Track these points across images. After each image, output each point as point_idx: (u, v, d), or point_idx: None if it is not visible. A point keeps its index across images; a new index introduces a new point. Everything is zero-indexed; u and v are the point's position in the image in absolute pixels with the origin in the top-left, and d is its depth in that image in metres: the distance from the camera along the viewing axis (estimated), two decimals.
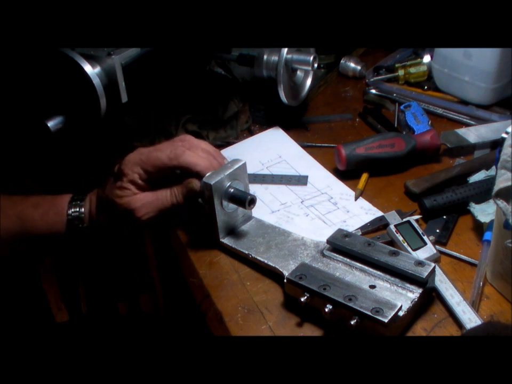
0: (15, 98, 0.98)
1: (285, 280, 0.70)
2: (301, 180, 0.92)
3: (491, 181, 0.78)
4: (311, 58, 0.97)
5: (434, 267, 0.68)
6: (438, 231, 0.79)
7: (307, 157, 0.97)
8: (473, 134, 0.94)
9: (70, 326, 1.19)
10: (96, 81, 0.83)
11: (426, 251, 0.73)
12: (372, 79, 1.14)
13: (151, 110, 1.00)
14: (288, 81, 0.99)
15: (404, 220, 0.78)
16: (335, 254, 0.73)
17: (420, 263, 0.68)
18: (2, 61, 0.92)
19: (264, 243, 0.78)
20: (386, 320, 0.61)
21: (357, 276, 0.70)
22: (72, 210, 0.78)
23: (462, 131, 0.94)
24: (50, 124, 0.84)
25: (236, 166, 0.77)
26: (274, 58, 0.97)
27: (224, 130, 1.03)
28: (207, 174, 0.75)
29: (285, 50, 0.96)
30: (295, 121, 1.06)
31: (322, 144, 1.00)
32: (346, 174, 0.91)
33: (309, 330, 0.68)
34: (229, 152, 0.98)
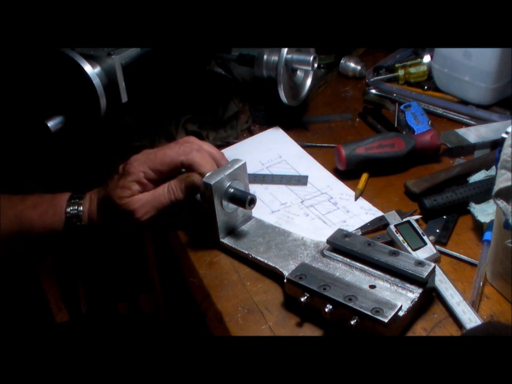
0: (15, 98, 0.98)
1: (285, 280, 0.70)
2: (301, 180, 0.92)
3: (491, 181, 0.78)
4: (311, 58, 0.97)
5: (434, 267, 0.68)
6: (438, 231, 0.79)
7: (307, 157, 0.97)
8: (473, 134, 0.94)
9: (70, 326, 1.19)
10: (96, 81, 0.83)
11: (426, 251, 0.73)
12: (371, 79, 1.14)
13: (151, 110, 1.00)
14: (288, 81, 0.99)
15: (404, 220, 0.78)
16: (335, 254, 0.73)
17: (420, 263, 0.68)
18: (2, 61, 0.92)
19: (264, 243, 0.78)
20: (386, 320, 0.61)
21: (357, 276, 0.70)
22: (71, 208, 0.78)
23: (462, 131, 0.94)
24: (50, 124, 0.84)
25: (236, 166, 0.77)
26: (274, 58, 0.97)
27: (224, 130, 1.03)
28: (207, 174, 0.75)
29: (285, 50, 0.96)
30: (295, 121, 1.06)
31: (322, 144, 1.00)
32: (346, 174, 0.91)
33: (309, 330, 0.68)
34: (229, 152, 0.98)
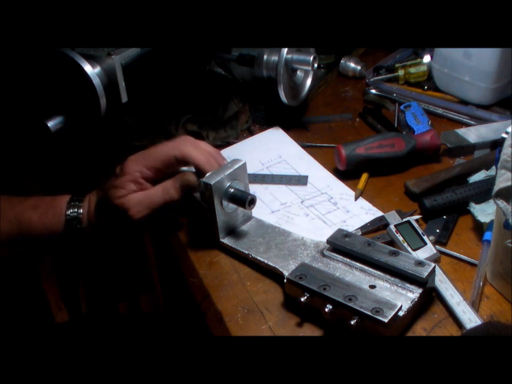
0: (15, 98, 0.98)
1: (285, 280, 0.70)
2: (301, 180, 0.92)
3: (491, 181, 0.78)
4: (311, 58, 0.97)
5: (434, 267, 0.68)
6: (438, 231, 0.79)
7: (307, 157, 0.97)
8: (473, 134, 0.94)
9: (70, 326, 1.19)
10: (96, 81, 0.83)
11: (426, 251, 0.73)
12: (371, 79, 1.14)
13: (151, 110, 1.00)
14: (288, 81, 0.99)
15: (404, 220, 0.78)
16: (335, 254, 0.73)
17: (420, 263, 0.68)
18: (2, 61, 0.92)
19: (264, 243, 0.78)
20: (386, 320, 0.61)
21: (357, 276, 0.70)
22: (71, 210, 0.78)
23: (462, 131, 0.94)
24: (50, 124, 0.84)
25: (236, 166, 0.77)
26: (274, 58, 0.97)
27: (224, 130, 1.03)
28: (207, 174, 0.75)
29: (285, 50, 0.96)
30: (295, 121, 1.06)
31: (322, 144, 1.00)
32: (346, 174, 0.91)
33: (309, 330, 0.68)
34: (229, 152, 0.98)
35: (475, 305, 0.68)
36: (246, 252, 0.76)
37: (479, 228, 0.78)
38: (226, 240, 0.79)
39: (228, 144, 1.01)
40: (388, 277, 0.69)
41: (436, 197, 0.81)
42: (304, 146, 0.99)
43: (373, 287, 0.68)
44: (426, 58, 1.14)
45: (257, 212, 0.83)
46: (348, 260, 0.72)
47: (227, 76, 1.07)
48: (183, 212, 0.83)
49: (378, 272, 0.70)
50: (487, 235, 0.75)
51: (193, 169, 0.79)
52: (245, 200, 0.75)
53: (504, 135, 0.76)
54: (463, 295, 0.68)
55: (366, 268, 0.71)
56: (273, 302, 0.72)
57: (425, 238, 0.74)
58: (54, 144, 0.98)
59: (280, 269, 0.73)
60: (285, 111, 1.04)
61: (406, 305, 0.65)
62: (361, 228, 0.81)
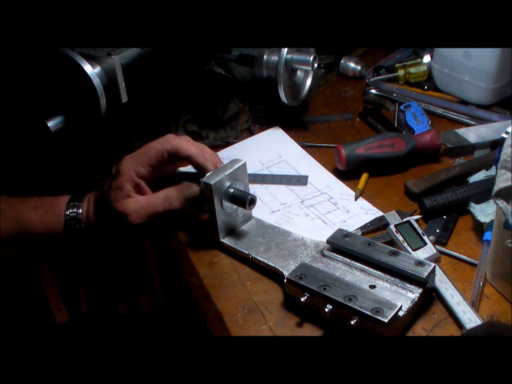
0: (15, 98, 0.98)
1: (285, 280, 0.70)
2: (301, 180, 0.92)
3: (491, 181, 0.78)
4: (311, 58, 0.97)
5: (434, 267, 0.68)
6: (438, 231, 0.79)
7: (307, 157, 0.97)
8: (473, 134, 0.94)
9: (70, 326, 1.19)
10: (96, 81, 0.83)
11: (426, 251, 0.73)
12: (371, 79, 1.14)
13: (151, 110, 1.00)
14: (288, 81, 0.99)
15: (404, 220, 0.78)
16: (335, 254, 0.73)
17: (420, 263, 0.68)
18: (2, 61, 0.92)
19: (264, 243, 0.78)
20: (386, 320, 0.61)
21: (357, 276, 0.70)
22: (70, 211, 0.78)
23: (462, 131, 0.94)
24: (50, 124, 0.84)
25: (236, 166, 0.77)
26: (274, 58, 0.97)
27: (224, 130, 1.03)
28: (207, 174, 0.75)
29: (285, 50, 0.96)
30: (295, 121, 1.06)
31: (322, 144, 1.00)
32: (346, 174, 0.91)
33: (309, 330, 0.68)
34: (229, 152, 0.98)
35: (475, 305, 0.68)
36: (246, 252, 0.76)
37: (479, 228, 0.78)
38: (226, 240, 0.79)
39: (228, 144, 1.01)
40: (387, 277, 0.69)
41: (436, 197, 0.81)
42: (304, 146, 0.99)
43: (373, 287, 0.68)
44: (426, 58, 1.14)
45: (257, 211, 0.83)
46: (348, 260, 0.72)
47: (227, 76, 1.07)
48: (185, 222, 0.83)
49: (378, 272, 0.70)
50: (487, 235, 0.75)
51: (191, 169, 0.79)
52: (245, 200, 0.75)
53: (504, 135, 0.76)
54: (463, 295, 0.68)
55: (366, 268, 0.71)
56: (273, 302, 0.72)
57: (425, 238, 0.74)
58: (54, 144, 0.97)
59: (280, 269, 0.73)
60: (285, 111, 1.04)
61: (406, 305, 0.65)
62: (361, 228, 0.81)
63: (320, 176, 0.93)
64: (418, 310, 0.68)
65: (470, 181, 0.84)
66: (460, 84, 1.04)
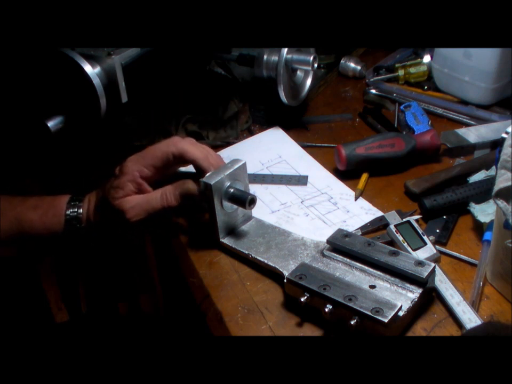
0: (15, 98, 0.98)
1: (285, 280, 0.70)
2: (301, 180, 0.92)
3: (491, 181, 0.78)
4: (311, 58, 0.97)
5: (434, 267, 0.68)
6: (438, 231, 0.79)
7: (307, 157, 0.97)
8: (473, 134, 0.94)
9: (70, 326, 1.19)
10: (96, 81, 0.83)
11: (426, 251, 0.73)
12: (371, 79, 1.14)
13: (151, 110, 1.00)
14: (288, 81, 0.99)
15: (404, 220, 0.78)
16: (335, 254, 0.73)
17: (420, 263, 0.68)
18: (2, 61, 0.92)
19: (264, 243, 0.78)
20: (386, 320, 0.61)
21: (357, 276, 0.70)
22: (71, 210, 0.78)
23: (462, 131, 0.94)
24: (50, 124, 0.84)
25: (236, 166, 0.77)
26: (274, 58, 0.97)
27: (224, 130, 1.03)
28: (207, 174, 0.75)
29: (285, 50, 0.96)
30: (295, 121, 1.06)
31: (322, 144, 1.00)
32: (346, 174, 0.91)
33: (309, 330, 0.68)
34: (229, 152, 0.98)
35: (475, 305, 0.68)
36: (246, 252, 0.76)
37: (479, 228, 0.78)
38: (226, 240, 0.79)
39: (228, 144, 1.01)
40: (387, 277, 0.69)
41: (436, 197, 0.81)
42: (304, 146, 0.99)
43: (373, 287, 0.68)
44: (426, 58, 1.14)
45: (257, 212, 0.83)
46: (348, 260, 0.72)
47: (227, 76, 1.07)
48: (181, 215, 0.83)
49: (378, 272, 0.70)
50: (487, 235, 0.75)
51: (192, 169, 0.79)
52: (245, 200, 0.75)
53: (504, 135, 0.76)
54: (463, 295, 0.68)
55: (366, 267, 0.71)
56: (273, 302, 0.72)
57: (425, 238, 0.74)
58: (54, 144, 0.98)
59: (280, 269, 0.73)
60: (285, 111, 1.04)
61: (406, 305, 0.65)
62: (361, 228, 0.81)
63: (320, 176, 0.93)
64: (418, 310, 0.68)
65: (470, 181, 0.84)
66: (460, 84, 1.04)
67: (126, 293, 1.26)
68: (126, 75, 0.86)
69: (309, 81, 1.05)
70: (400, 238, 0.75)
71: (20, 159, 1.07)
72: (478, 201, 0.79)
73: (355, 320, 0.63)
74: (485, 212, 0.78)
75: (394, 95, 1.10)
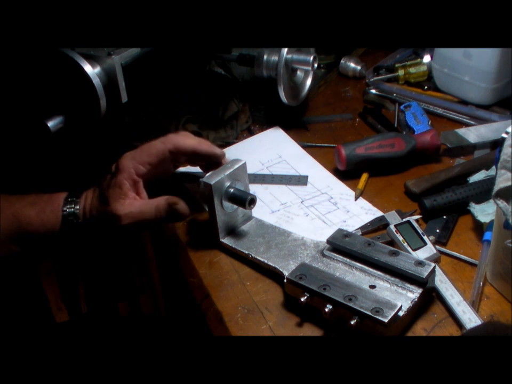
0: (15, 98, 0.98)
1: (285, 280, 0.70)
2: (301, 180, 0.92)
3: (491, 181, 0.78)
4: (311, 58, 0.97)
5: (434, 267, 0.68)
6: (438, 231, 0.79)
7: (307, 157, 0.97)
8: (473, 134, 0.94)
9: (70, 326, 1.19)
10: (96, 81, 0.83)
11: (426, 251, 0.73)
12: (372, 79, 1.14)
13: (151, 110, 1.00)
14: (288, 81, 0.99)
15: (404, 220, 0.78)
16: (335, 254, 0.73)
17: (420, 263, 0.68)
18: (2, 61, 0.92)
19: (264, 243, 0.78)
20: (386, 320, 0.61)
21: (357, 276, 0.70)
22: (68, 206, 0.78)
23: (462, 131, 0.94)
24: (50, 124, 0.84)
25: (236, 166, 0.77)
26: (274, 58, 0.97)
27: (224, 130, 1.03)
28: (207, 174, 0.75)
29: (285, 50, 0.96)
30: (295, 121, 1.06)
31: (322, 144, 1.00)
32: (346, 174, 0.91)
33: (309, 330, 0.68)
34: (229, 152, 0.98)
35: (475, 305, 0.68)
36: (246, 252, 0.76)
37: (479, 228, 0.78)
38: (226, 240, 0.79)
39: (228, 144, 1.01)
40: (387, 277, 0.69)
41: (436, 197, 0.81)
42: (304, 146, 0.99)
43: (373, 287, 0.68)
44: (426, 58, 1.14)
45: (257, 211, 0.83)
46: (348, 260, 0.72)
47: (227, 76, 1.07)
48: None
49: (378, 272, 0.70)
50: (487, 235, 0.75)
51: (191, 169, 0.79)
52: (245, 200, 0.75)
53: (504, 135, 0.76)
54: (463, 295, 0.68)
55: (366, 268, 0.71)
56: (273, 302, 0.72)
57: (425, 238, 0.74)
58: (54, 144, 0.98)
59: (280, 269, 0.73)
60: (285, 111, 1.04)
61: (406, 305, 0.65)
62: (361, 228, 0.81)
63: (320, 176, 0.93)
64: (418, 310, 0.68)
65: (470, 181, 0.84)
66: (460, 84, 1.04)
67: (126, 293, 1.26)
68: (126, 75, 0.86)
69: (309, 81, 1.05)
70: (400, 238, 0.75)
71: (20, 159, 1.07)
72: (478, 201, 0.79)
73: (355, 320, 0.63)
74: (485, 211, 0.78)
75: (394, 95, 1.10)
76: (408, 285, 0.67)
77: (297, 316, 0.69)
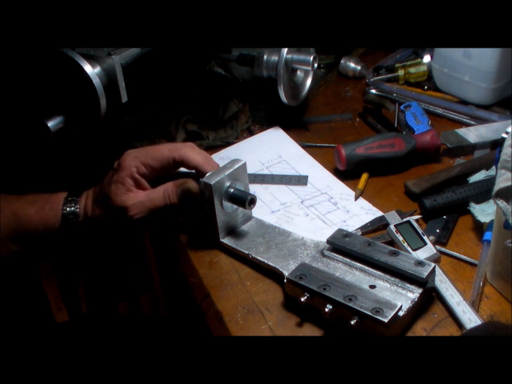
0: (15, 98, 0.98)
1: (285, 280, 0.70)
2: (301, 180, 0.92)
3: (491, 181, 0.78)
4: (311, 58, 0.97)
5: (434, 267, 0.68)
6: (438, 231, 0.79)
7: (307, 157, 0.97)
8: (473, 134, 0.94)
9: (70, 326, 1.19)
10: (96, 81, 0.83)
11: (426, 251, 0.73)
12: (372, 79, 1.14)
13: (151, 110, 1.00)
14: (288, 81, 0.99)
15: (404, 220, 0.78)
16: (335, 254, 0.73)
17: (420, 263, 0.68)
18: (2, 61, 0.92)
19: (264, 243, 0.78)
20: (386, 320, 0.61)
21: (357, 276, 0.70)
22: (68, 205, 0.78)
23: (462, 131, 0.94)
24: (50, 124, 0.84)
25: (236, 166, 0.77)
26: (274, 58, 0.97)
27: (224, 130, 1.03)
28: (207, 174, 0.75)
29: (285, 50, 0.96)
30: (295, 121, 1.06)
31: (322, 144, 1.00)
32: (346, 174, 0.91)
33: (309, 330, 0.68)
34: (229, 152, 0.98)
35: (475, 305, 0.68)
36: (246, 252, 0.76)
37: (479, 228, 0.78)
38: (226, 240, 0.79)
39: (228, 144, 1.01)
40: (387, 277, 0.69)
41: (436, 197, 0.81)
42: (304, 146, 0.99)
43: (373, 287, 0.68)
44: (426, 58, 1.14)
45: (257, 211, 0.83)
46: (348, 260, 0.72)
47: (227, 76, 1.07)
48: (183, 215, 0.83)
49: (378, 272, 0.70)
50: (487, 235, 0.75)
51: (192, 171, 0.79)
52: (245, 200, 0.75)
53: (504, 135, 0.76)
54: (463, 295, 0.68)
55: (366, 268, 0.71)
56: (273, 302, 0.72)
57: (425, 238, 0.74)
58: (54, 144, 0.98)
59: (280, 269, 0.73)
60: (285, 111, 1.04)
61: (406, 305, 0.65)
62: (361, 228, 0.81)
63: (320, 176, 0.93)
64: (418, 310, 0.68)
65: (470, 181, 0.84)
66: (460, 84, 1.04)
67: (126, 293, 1.27)
68: (126, 75, 0.86)
69: (309, 81, 1.05)
70: (400, 238, 0.75)
71: (20, 159, 1.07)
72: (478, 201, 0.79)
73: (355, 320, 0.63)
74: (485, 212, 0.78)
75: (394, 95, 1.10)
76: (408, 285, 0.67)
77: (297, 316, 0.69)
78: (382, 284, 0.68)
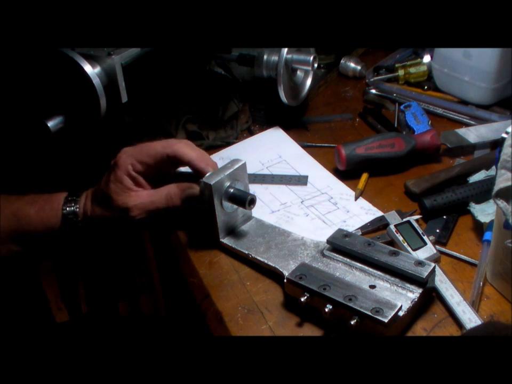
0: (15, 98, 0.98)
1: (285, 280, 0.70)
2: (301, 180, 0.92)
3: (491, 181, 0.78)
4: (311, 58, 0.97)
5: (434, 267, 0.68)
6: (438, 231, 0.79)
7: (307, 157, 0.97)
8: (473, 134, 0.94)
9: (70, 326, 1.19)
10: (96, 81, 0.83)
11: (426, 251, 0.73)
12: (372, 79, 1.14)
13: (151, 110, 1.00)
14: (288, 81, 0.99)
15: (404, 219, 0.78)
16: (335, 254, 0.73)
17: (420, 263, 0.68)
18: (2, 61, 0.92)
19: (264, 243, 0.78)
20: (386, 320, 0.61)
21: (357, 276, 0.70)
22: (68, 205, 0.79)
23: (462, 131, 0.94)
24: (50, 124, 0.84)
25: (236, 166, 0.77)
26: (274, 58, 0.97)
27: (224, 130, 1.03)
28: (207, 174, 0.75)
29: (285, 50, 0.96)
30: (295, 121, 1.06)
31: (322, 144, 1.00)
32: (346, 174, 0.91)
33: (309, 330, 0.68)
34: (229, 152, 0.98)
35: (475, 305, 0.68)
36: (246, 252, 0.76)
37: (479, 228, 0.78)
38: (226, 240, 0.79)
39: (228, 144, 1.01)
40: (387, 277, 0.69)
41: (436, 197, 0.81)
42: (304, 146, 0.99)
43: (373, 287, 0.68)
44: (426, 58, 1.14)
45: (257, 212, 0.83)
46: (348, 260, 0.72)
47: (227, 76, 1.07)
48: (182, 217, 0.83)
49: (378, 272, 0.70)
50: (487, 235, 0.75)
51: (189, 170, 0.79)
52: (245, 200, 0.75)
53: (504, 135, 0.76)
54: (463, 295, 0.68)
55: (366, 268, 0.71)
56: (273, 302, 0.72)
57: (425, 238, 0.74)
58: (54, 144, 0.98)
59: (280, 269, 0.73)
60: (285, 111, 1.04)
61: (406, 305, 0.65)
62: (361, 228, 0.81)
63: (320, 176, 0.93)
64: (418, 310, 0.68)
65: (470, 181, 0.84)
66: (460, 84, 1.04)
67: (126, 293, 1.27)
68: (126, 75, 0.86)
69: (309, 81, 1.05)
70: (400, 238, 0.75)
71: (20, 159, 1.07)
72: (478, 201, 0.79)
73: (355, 320, 0.63)
74: (485, 212, 0.78)
75: (394, 95, 1.10)
76: (408, 285, 0.67)
77: (297, 316, 0.69)
78: (382, 284, 0.68)
